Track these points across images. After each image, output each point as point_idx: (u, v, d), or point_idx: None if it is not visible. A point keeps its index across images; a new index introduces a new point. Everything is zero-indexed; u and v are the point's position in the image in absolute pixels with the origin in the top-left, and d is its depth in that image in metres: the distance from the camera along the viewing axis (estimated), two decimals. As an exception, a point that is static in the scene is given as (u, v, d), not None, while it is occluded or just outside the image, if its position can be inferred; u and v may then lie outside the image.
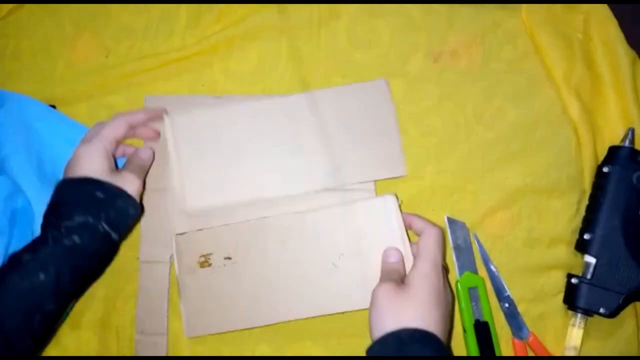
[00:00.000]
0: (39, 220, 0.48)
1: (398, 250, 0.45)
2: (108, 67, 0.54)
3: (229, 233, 0.49)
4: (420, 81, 0.53)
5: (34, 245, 0.42)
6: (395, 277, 0.43)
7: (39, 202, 0.49)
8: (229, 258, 0.48)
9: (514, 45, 0.53)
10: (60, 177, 0.51)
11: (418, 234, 0.46)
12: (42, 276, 0.40)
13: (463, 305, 0.49)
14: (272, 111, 0.51)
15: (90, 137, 0.47)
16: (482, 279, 0.49)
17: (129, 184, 0.45)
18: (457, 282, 0.49)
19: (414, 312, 0.40)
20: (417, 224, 0.46)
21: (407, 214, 0.47)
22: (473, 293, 0.49)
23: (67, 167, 0.46)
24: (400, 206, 0.46)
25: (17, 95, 0.53)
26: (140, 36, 0.55)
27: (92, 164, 0.45)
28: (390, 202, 0.46)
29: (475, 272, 0.50)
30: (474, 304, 0.49)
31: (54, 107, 0.53)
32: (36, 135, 0.52)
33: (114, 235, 0.44)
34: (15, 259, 0.41)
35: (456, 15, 0.54)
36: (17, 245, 0.48)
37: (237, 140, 0.51)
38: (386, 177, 0.51)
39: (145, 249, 0.51)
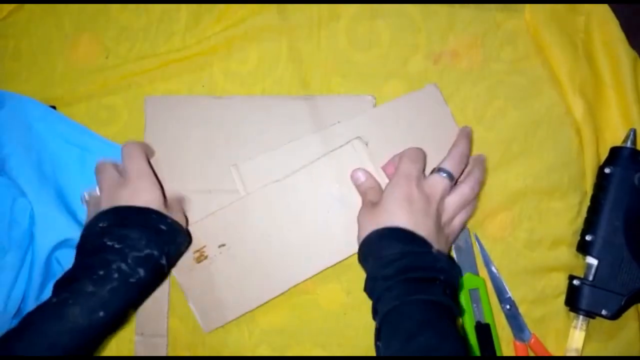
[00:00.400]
0: (39, 220, 0.48)
1: (363, 170, 0.47)
2: (108, 68, 0.54)
3: (216, 221, 0.49)
4: (421, 82, 0.53)
5: (95, 271, 0.39)
6: (373, 196, 0.45)
7: (39, 203, 0.49)
8: (223, 245, 0.48)
9: (515, 46, 0.53)
10: (60, 177, 0.52)
11: None
12: (101, 313, 0.38)
13: (464, 306, 0.48)
14: (330, 139, 0.51)
15: (143, 174, 0.45)
16: (483, 280, 0.49)
17: (182, 221, 0.45)
18: None
19: (385, 215, 0.42)
20: (396, 159, 0.47)
21: (384, 165, 0.49)
22: (474, 294, 0.49)
23: (120, 195, 0.43)
24: (367, 145, 0.49)
25: (17, 95, 0.53)
26: (140, 37, 0.55)
27: (151, 196, 0.43)
28: (357, 145, 0.48)
29: (476, 273, 0.49)
30: (474, 305, 0.49)
31: (54, 107, 0.53)
32: (36, 135, 0.52)
33: (167, 270, 0.43)
34: (75, 286, 0.39)
35: (456, 16, 0.54)
36: (16, 246, 0.48)
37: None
38: None
39: None
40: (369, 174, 0.47)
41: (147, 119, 0.52)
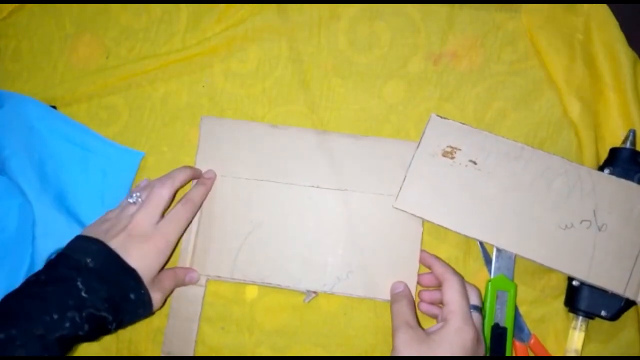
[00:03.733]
0: (39, 221, 0.48)
1: (404, 283, 0.48)
2: (108, 68, 0.54)
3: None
4: (420, 83, 0.53)
5: (51, 312, 0.38)
6: (408, 315, 0.44)
7: (40, 203, 0.49)
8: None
9: (515, 47, 0.53)
10: (62, 177, 0.52)
11: (438, 279, 0.46)
12: (45, 354, 0.37)
13: (487, 305, 0.48)
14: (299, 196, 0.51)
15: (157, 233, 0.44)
16: (515, 286, 0.48)
17: (159, 297, 0.44)
18: (488, 281, 0.49)
19: None
20: (438, 269, 0.47)
21: (428, 254, 0.49)
22: (502, 297, 0.48)
23: (128, 239, 0.42)
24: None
25: (18, 95, 0.53)
26: (140, 37, 0.55)
27: (148, 262, 0.43)
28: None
29: (510, 278, 0.49)
30: (498, 307, 0.48)
31: (54, 107, 0.53)
32: (37, 135, 0.52)
33: (113, 332, 0.42)
34: (25, 325, 0.37)
35: (456, 17, 0.54)
36: (16, 246, 0.48)
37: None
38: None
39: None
40: (407, 287, 0.48)
41: (201, 138, 0.52)
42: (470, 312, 0.44)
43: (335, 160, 0.51)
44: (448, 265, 0.47)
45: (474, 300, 0.45)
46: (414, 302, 0.47)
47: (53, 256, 0.48)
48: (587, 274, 0.46)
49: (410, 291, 0.48)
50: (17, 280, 0.46)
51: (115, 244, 0.42)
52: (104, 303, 0.40)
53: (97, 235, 0.43)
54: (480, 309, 0.45)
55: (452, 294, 0.44)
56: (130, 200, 0.46)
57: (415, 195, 0.49)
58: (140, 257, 0.42)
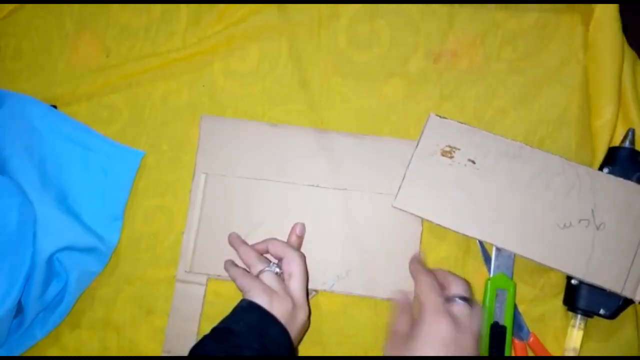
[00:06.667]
0: (40, 220, 0.48)
1: (404, 293, 0.47)
2: (109, 67, 0.54)
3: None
4: (420, 81, 0.53)
5: None
6: (402, 323, 0.44)
7: (41, 203, 0.49)
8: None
9: (514, 46, 0.53)
10: (63, 176, 0.52)
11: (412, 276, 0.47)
12: None
13: (487, 304, 0.48)
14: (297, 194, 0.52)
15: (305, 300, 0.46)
16: (514, 285, 0.49)
17: None
18: (487, 280, 0.49)
19: None
20: (410, 267, 0.48)
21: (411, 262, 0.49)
22: (501, 295, 0.48)
23: (297, 317, 0.45)
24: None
25: (18, 95, 0.53)
26: (141, 36, 0.55)
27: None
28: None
29: (509, 276, 0.49)
30: (497, 305, 0.48)
31: (54, 106, 0.54)
32: (37, 135, 0.52)
33: None
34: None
35: (456, 16, 0.54)
36: (16, 245, 0.48)
37: None
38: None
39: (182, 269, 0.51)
40: (405, 295, 0.47)
41: (201, 136, 0.52)
42: (442, 302, 0.42)
43: (335, 159, 0.51)
44: (423, 264, 0.47)
45: (458, 290, 0.43)
46: (410, 308, 0.46)
47: (54, 254, 0.49)
48: (585, 273, 0.47)
49: (408, 298, 0.47)
50: (18, 279, 0.46)
51: (289, 328, 0.43)
52: None
53: (276, 313, 0.43)
54: (467, 299, 0.43)
55: (418, 289, 0.44)
56: (277, 271, 0.46)
57: (414, 194, 0.49)
58: (300, 320, 0.45)
